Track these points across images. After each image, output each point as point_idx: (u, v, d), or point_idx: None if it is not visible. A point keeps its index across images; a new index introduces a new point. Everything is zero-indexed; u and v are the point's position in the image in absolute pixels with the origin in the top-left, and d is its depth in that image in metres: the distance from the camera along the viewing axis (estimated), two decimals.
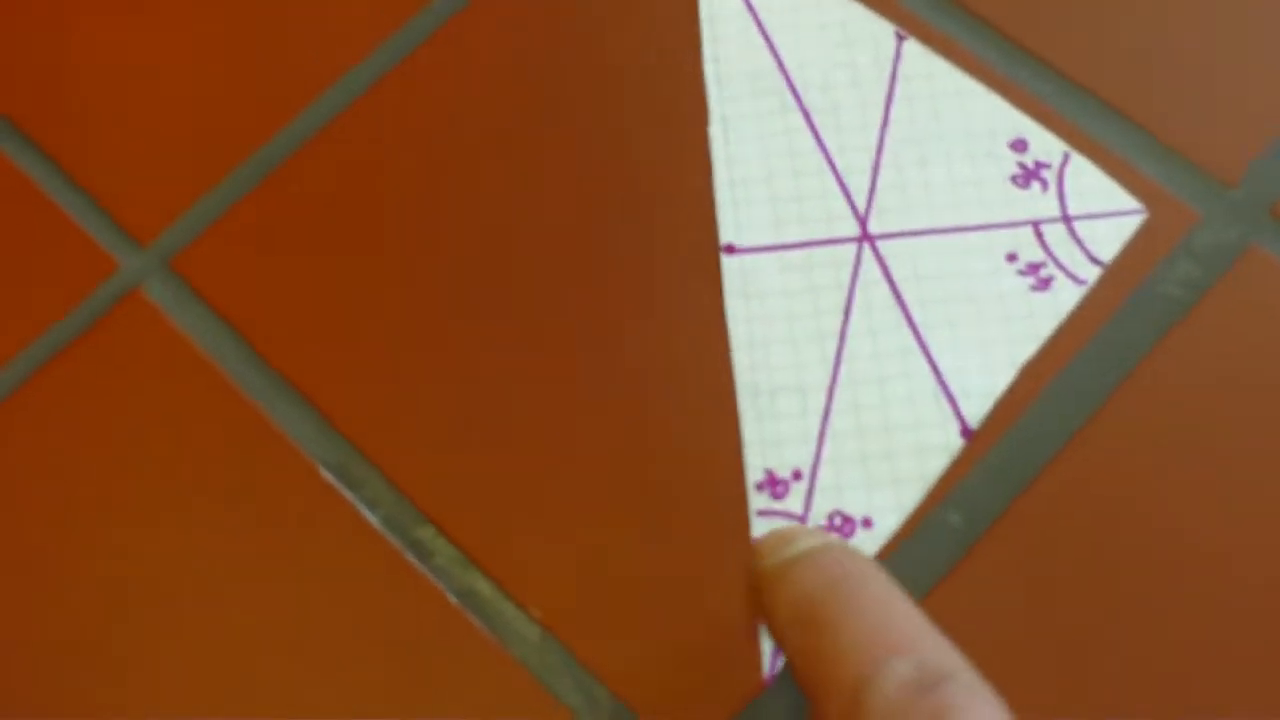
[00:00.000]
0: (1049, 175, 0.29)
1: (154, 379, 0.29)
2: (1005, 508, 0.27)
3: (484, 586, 0.27)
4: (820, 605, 0.21)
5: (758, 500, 0.27)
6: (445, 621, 0.27)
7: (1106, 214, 0.29)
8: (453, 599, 0.27)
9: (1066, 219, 0.29)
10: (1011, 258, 0.28)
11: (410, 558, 0.27)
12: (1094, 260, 0.28)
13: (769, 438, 0.27)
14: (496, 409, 0.28)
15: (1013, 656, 0.26)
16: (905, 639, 0.20)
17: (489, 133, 0.31)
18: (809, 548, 0.22)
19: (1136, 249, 0.28)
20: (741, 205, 0.29)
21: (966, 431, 0.27)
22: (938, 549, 0.27)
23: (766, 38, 0.31)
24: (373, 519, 0.28)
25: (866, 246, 0.29)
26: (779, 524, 0.27)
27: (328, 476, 0.28)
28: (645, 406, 0.28)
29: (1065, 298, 0.28)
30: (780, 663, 0.26)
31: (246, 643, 0.27)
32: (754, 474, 0.27)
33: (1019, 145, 0.29)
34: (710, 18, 0.32)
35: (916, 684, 0.19)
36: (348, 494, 0.28)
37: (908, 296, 0.28)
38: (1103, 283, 0.28)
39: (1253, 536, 0.26)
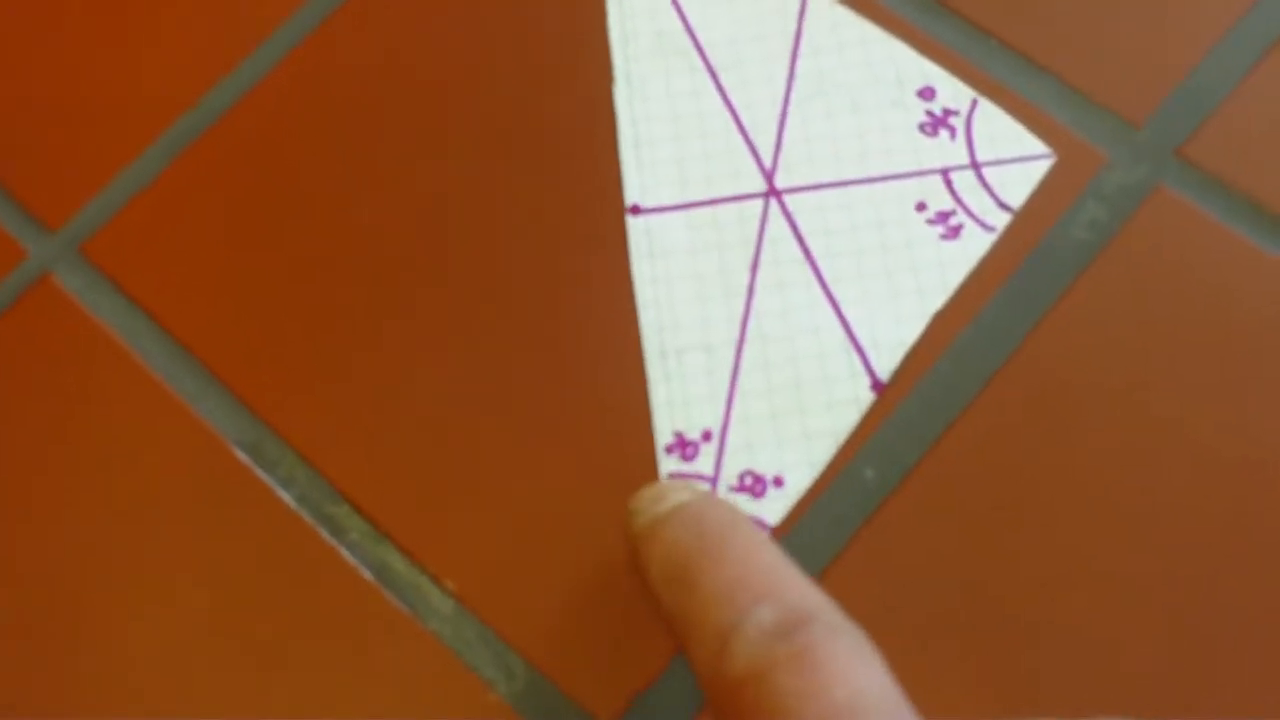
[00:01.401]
0: (957, 122, 0.29)
1: (66, 365, 0.29)
2: (918, 460, 0.26)
3: (397, 561, 0.27)
4: (686, 561, 0.21)
5: (667, 463, 0.27)
6: (360, 597, 0.27)
7: (1015, 159, 0.28)
8: (367, 575, 0.27)
9: (975, 166, 0.28)
10: (920, 207, 0.28)
11: (324, 534, 0.27)
12: (1003, 206, 0.28)
13: (677, 399, 0.27)
14: (407, 382, 0.28)
15: (927, 609, 0.25)
16: (768, 586, 0.20)
17: (398, 102, 0.31)
18: (675, 504, 0.22)
19: (1045, 193, 0.28)
20: (646, 165, 0.29)
21: (877, 384, 0.27)
22: (852, 504, 0.26)
23: None
24: (287, 497, 0.27)
25: (773, 201, 0.28)
26: None
27: (242, 456, 0.28)
28: (554, 373, 0.28)
29: (975, 246, 0.28)
30: None
31: (159, 623, 0.27)
32: (663, 437, 0.27)
33: (927, 93, 0.29)
34: None
35: (779, 628, 0.19)
36: (262, 473, 0.28)
37: (815, 250, 0.28)
38: (1012, 229, 0.28)
39: (1168, 482, 0.26)
